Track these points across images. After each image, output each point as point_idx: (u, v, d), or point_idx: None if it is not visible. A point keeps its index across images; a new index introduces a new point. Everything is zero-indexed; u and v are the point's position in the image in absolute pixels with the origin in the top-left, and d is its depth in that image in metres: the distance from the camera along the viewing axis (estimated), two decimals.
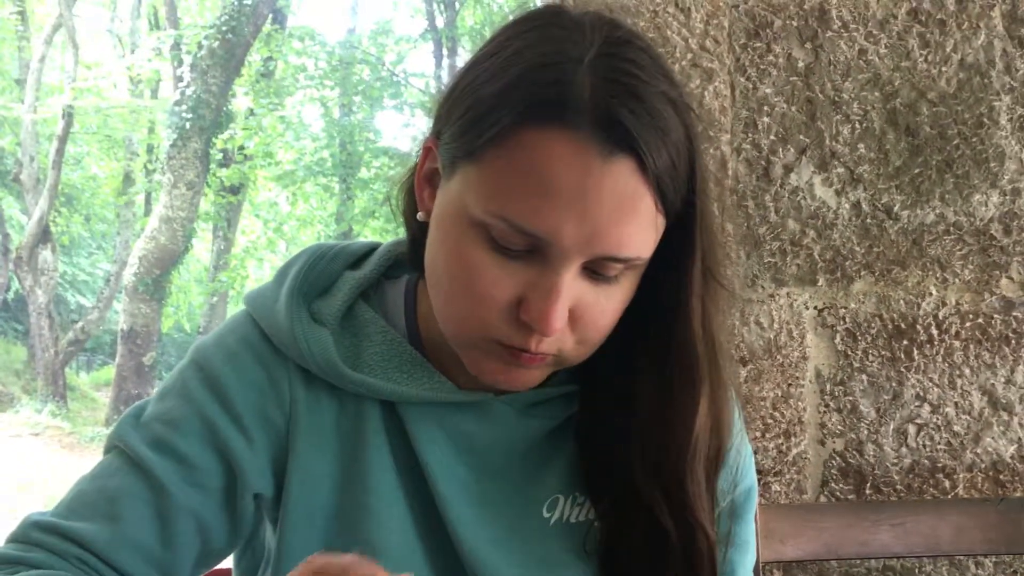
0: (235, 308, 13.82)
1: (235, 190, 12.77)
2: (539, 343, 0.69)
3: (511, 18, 0.73)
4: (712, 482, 0.78)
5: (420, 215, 0.76)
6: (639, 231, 0.67)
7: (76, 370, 14.48)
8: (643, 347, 0.76)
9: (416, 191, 0.77)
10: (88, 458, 9.47)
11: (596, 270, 0.68)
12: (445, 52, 13.83)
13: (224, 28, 11.04)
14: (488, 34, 0.73)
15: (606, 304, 0.70)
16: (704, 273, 0.74)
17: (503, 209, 0.66)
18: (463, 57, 13.77)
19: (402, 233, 0.85)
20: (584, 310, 0.70)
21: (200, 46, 11.16)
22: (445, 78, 13.57)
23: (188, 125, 10.97)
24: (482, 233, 0.68)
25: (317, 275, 0.81)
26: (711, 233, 0.74)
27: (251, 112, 12.53)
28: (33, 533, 0.73)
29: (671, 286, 0.73)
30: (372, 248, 0.85)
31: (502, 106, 0.66)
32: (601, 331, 0.72)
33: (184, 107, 11.04)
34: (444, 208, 0.71)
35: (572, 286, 0.68)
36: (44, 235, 11.76)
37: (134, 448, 0.75)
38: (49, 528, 0.73)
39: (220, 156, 12.05)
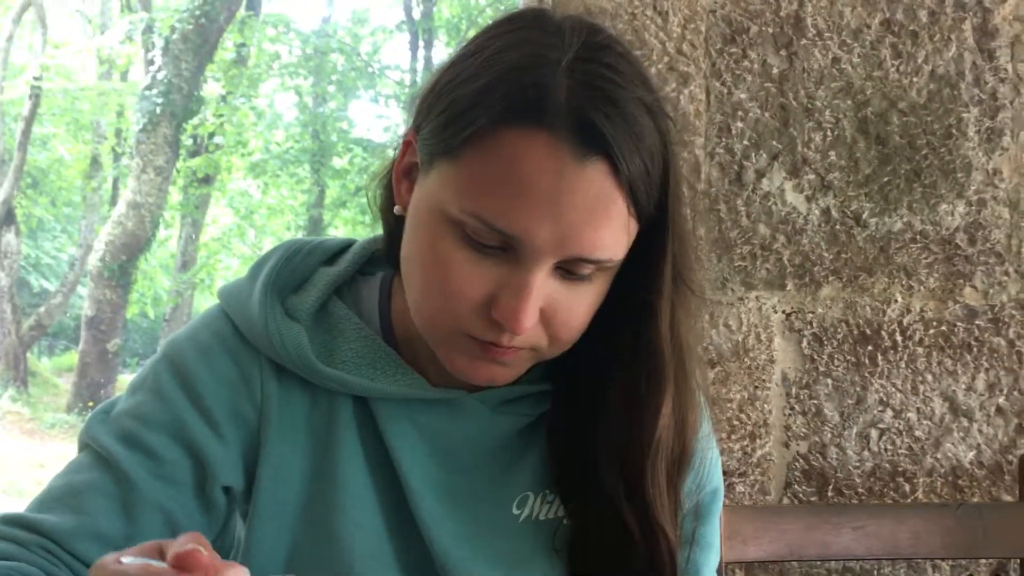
0: (201, 296, 13.69)
1: (207, 179, 12.64)
2: (510, 339, 0.70)
3: (494, 19, 0.74)
4: (675, 484, 0.78)
5: (397, 208, 0.76)
6: (611, 234, 0.68)
7: (38, 355, 14.28)
8: (613, 347, 0.77)
9: (394, 184, 0.77)
10: (48, 444, 9.35)
11: (568, 269, 0.69)
12: (421, 44, 13.78)
13: (197, 12, 10.91)
14: (464, 27, 0.74)
15: (577, 304, 0.71)
16: (674, 277, 0.75)
17: (478, 208, 0.66)
18: (439, 49, 13.76)
19: (376, 228, 0.85)
20: (555, 310, 0.70)
21: (173, 30, 11.03)
22: (420, 70, 13.53)
23: (158, 110, 10.84)
24: (457, 230, 0.68)
25: (291, 271, 0.81)
26: (683, 238, 0.75)
27: (223, 99, 12.40)
28: (1, 527, 0.73)
29: (641, 289, 0.74)
30: (347, 244, 0.85)
31: (480, 106, 0.67)
32: (573, 330, 0.73)
33: (155, 91, 10.90)
34: (421, 203, 0.72)
35: (543, 286, 0.68)
36: (8, 217, 11.58)
37: (102, 443, 0.75)
38: (15, 521, 0.73)
39: (191, 143, 11.92)
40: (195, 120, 11.46)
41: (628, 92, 0.67)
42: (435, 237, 0.69)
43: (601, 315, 0.74)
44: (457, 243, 0.69)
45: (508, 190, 0.66)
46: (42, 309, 12.64)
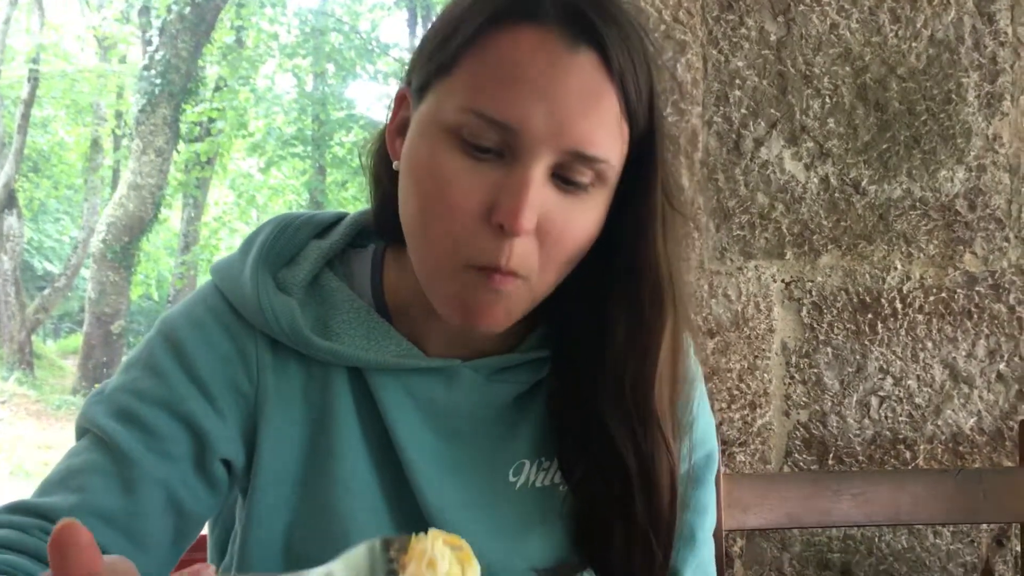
0: (204, 276, 13.71)
1: (208, 162, 12.60)
2: (510, 256, 0.69)
3: None
4: (674, 404, 0.79)
5: (395, 164, 0.76)
6: (605, 129, 0.69)
7: (43, 337, 14.32)
8: (609, 276, 0.77)
9: (388, 143, 0.78)
10: (55, 426, 9.40)
11: (565, 176, 0.70)
12: (419, 20, 13.69)
13: None
14: None
15: (576, 219, 0.71)
16: (664, 196, 0.76)
17: (474, 102, 0.68)
18: None
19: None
20: (553, 222, 0.70)
21: (169, 10, 10.96)
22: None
23: (157, 91, 10.79)
24: (454, 139, 0.69)
25: (283, 245, 0.81)
26: (668, 160, 0.76)
27: (224, 83, 12.34)
28: (4, 515, 0.73)
29: (634, 212, 0.75)
30: (339, 218, 0.86)
31: (472, 15, 0.70)
32: (568, 251, 0.72)
33: (153, 72, 10.86)
34: (415, 132, 0.73)
35: (541, 189, 0.69)
36: (10, 200, 11.57)
37: (98, 423, 0.75)
38: (18, 507, 0.74)
39: (196, 129, 11.87)
40: (197, 108, 11.40)
41: (616, 2, 0.71)
42: (432, 154, 0.70)
43: (596, 250, 0.74)
44: (453, 153, 0.69)
45: (502, 81, 0.68)
46: (46, 292, 12.66)
